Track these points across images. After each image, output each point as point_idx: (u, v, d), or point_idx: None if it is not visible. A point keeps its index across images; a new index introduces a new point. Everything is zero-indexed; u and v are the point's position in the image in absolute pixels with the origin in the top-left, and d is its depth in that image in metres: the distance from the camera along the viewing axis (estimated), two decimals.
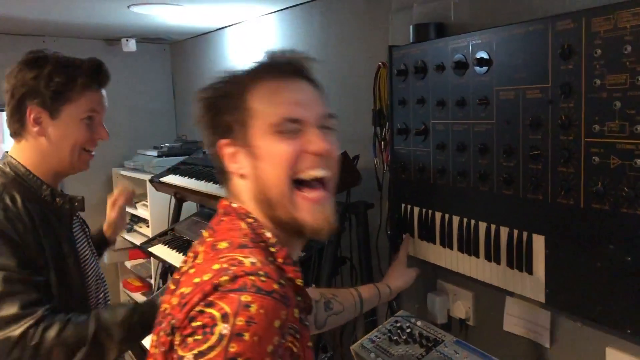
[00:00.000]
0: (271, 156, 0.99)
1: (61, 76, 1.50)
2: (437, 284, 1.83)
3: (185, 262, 1.03)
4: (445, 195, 1.67)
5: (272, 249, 0.99)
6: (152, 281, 3.31)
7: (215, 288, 0.84)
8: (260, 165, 1.00)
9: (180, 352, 0.83)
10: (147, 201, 3.42)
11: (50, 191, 1.55)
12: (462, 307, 1.74)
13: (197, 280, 0.88)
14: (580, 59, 1.23)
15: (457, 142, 1.60)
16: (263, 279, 0.85)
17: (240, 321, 0.80)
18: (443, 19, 1.72)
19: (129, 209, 3.77)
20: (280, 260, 0.99)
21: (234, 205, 1.04)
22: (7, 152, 1.60)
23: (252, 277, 0.85)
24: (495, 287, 1.53)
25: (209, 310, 0.82)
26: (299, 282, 1.01)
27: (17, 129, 1.55)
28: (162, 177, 2.93)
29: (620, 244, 1.18)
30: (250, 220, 1.01)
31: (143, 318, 1.45)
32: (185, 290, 0.89)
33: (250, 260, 0.88)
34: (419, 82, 1.72)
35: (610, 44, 1.16)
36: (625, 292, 1.18)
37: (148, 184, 3.14)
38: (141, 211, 3.55)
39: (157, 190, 2.99)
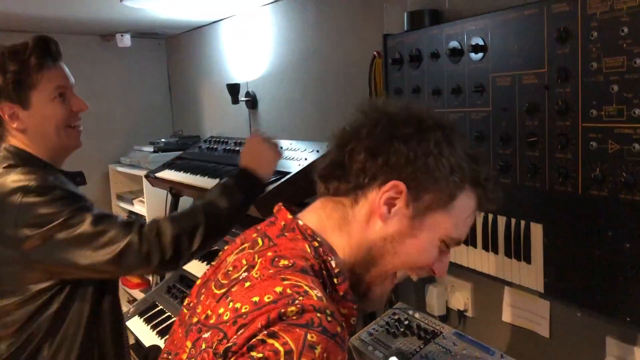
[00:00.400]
0: (422, 246, 0.94)
1: (13, 65, 1.48)
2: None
3: (233, 267, 0.94)
4: None
5: (336, 280, 0.91)
6: (150, 277, 3.29)
7: (281, 318, 0.78)
8: (407, 242, 0.93)
9: None
10: (143, 197, 3.40)
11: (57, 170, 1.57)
12: (460, 298, 1.72)
13: (255, 299, 0.81)
14: (576, 42, 1.20)
15: None
16: (329, 319, 0.79)
17: None
18: (437, 5, 1.69)
19: (124, 205, 3.75)
20: (341, 293, 0.92)
21: (300, 222, 0.95)
22: None
23: (319, 315, 0.78)
24: (493, 277, 1.51)
25: (271, 341, 0.76)
26: (354, 320, 0.94)
27: None
28: (157, 172, 2.90)
29: (618, 231, 1.15)
30: (316, 244, 0.93)
31: (238, 182, 1.65)
32: (239, 305, 0.82)
33: (316, 293, 0.82)
34: (415, 70, 1.69)
35: (607, 26, 1.13)
36: (624, 279, 1.15)
37: (144, 180, 3.12)
38: (137, 207, 3.53)
39: (152, 185, 2.97)
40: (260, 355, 0.75)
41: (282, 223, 0.96)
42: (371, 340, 1.66)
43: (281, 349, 0.74)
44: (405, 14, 1.74)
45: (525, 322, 1.48)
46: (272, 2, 2.77)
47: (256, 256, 0.91)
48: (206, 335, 0.85)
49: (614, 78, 1.13)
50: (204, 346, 0.84)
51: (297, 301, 0.79)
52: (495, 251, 1.47)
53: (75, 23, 3.28)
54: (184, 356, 0.89)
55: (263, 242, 0.95)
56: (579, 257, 1.24)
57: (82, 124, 1.64)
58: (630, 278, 1.14)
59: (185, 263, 1.56)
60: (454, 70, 1.54)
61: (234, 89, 2.98)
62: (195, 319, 0.92)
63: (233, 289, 0.87)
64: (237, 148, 2.65)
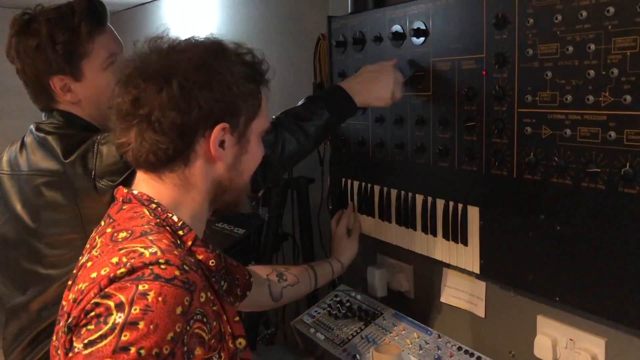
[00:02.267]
0: (254, 155, 1.09)
1: (62, 34, 1.36)
2: (377, 257, 1.83)
3: (82, 255, 0.98)
4: (384, 169, 1.65)
5: (180, 232, 0.97)
6: None
7: (112, 281, 0.81)
8: (244, 159, 1.06)
9: (74, 344, 0.79)
10: None
11: None
12: (401, 280, 1.74)
13: (94, 275, 0.85)
14: (513, 28, 1.22)
15: (394, 115, 1.58)
16: (163, 266, 0.83)
17: (135, 310, 0.78)
18: None
19: None
20: (189, 243, 0.97)
21: (134, 192, 1.00)
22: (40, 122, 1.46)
23: (151, 267, 0.82)
24: (433, 259, 1.54)
25: (104, 301, 0.80)
26: (212, 262, 0.99)
27: (48, 102, 1.44)
28: None
29: (550, 214, 1.19)
30: (153, 205, 0.97)
31: (325, 97, 1.45)
32: (82, 285, 0.85)
33: (151, 250, 0.85)
34: (358, 53, 1.69)
35: (542, 13, 1.16)
36: (554, 261, 1.19)
37: None
38: None
39: None
40: (93, 314, 0.79)
41: (120, 198, 1.01)
42: (312, 322, 1.67)
43: (112, 303, 0.79)
44: None
45: (462, 303, 1.51)
46: None
47: (97, 237, 0.96)
48: (61, 323, 0.88)
49: (548, 65, 1.16)
50: (60, 333, 0.87)
51: (128, 263, 0.83)
52: (434, 234, 1.50)
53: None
54: (53, 352, 0.92)
55: (104, 222, 1.00)
56: (513, 239, 1.28)
57: None
58: (559, 260, 1.18)
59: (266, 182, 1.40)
60: (397, 54, 1.54)
61: None
62: (58, 316, 0.95)
63: (78, 273, 0.91)
64: None
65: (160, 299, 0.79)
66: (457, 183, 1.41)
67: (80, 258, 0.99)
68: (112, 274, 0.82)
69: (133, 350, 0.75)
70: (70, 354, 0.79)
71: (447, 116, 1.41)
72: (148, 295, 0.79)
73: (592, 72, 1.07)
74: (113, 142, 1.06)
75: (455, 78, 1.38)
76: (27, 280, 1.42)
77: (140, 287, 0.80)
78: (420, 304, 1.69)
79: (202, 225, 1.07)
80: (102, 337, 0.76)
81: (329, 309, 1.70)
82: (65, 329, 0.83)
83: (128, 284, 0.80)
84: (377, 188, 1.70)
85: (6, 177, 1.46)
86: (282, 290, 1.52)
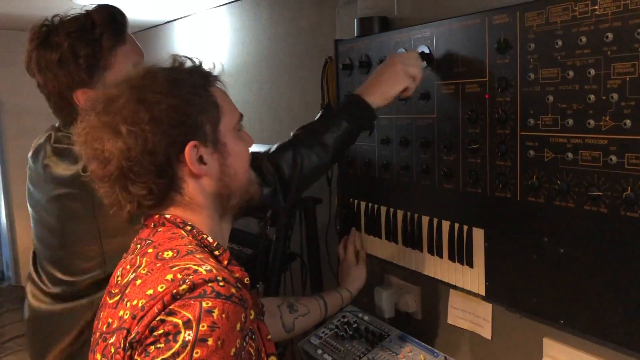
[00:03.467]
0: (238, 153, 1.06)
1: (85, 48, 1.31)
2: (384, 278, 1.83)
3: (121, 275, 0.99)
4: (390, 190, 1.67)
5: (216, 252, 0.98)
6: None
7: (175, 297, 0.83)
8: (229, 163, 1.04)
9: None
10: None
11: None
12: (408, 301, 1.74)
13: (150, 292, 0.86)
14: (515, 53, 1.24)
15: (400, 137, 1.60)
16: (222, 284, 0.85)
17: (203, 327, 0.80)
18: (386, 12, 1.72)
19: None
20: (225, 262, 0.99)
21: (167, 215, 1.00)
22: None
23: (210, 284, 0.85)
24: (439, 281, 1.54)
25: (170, 318, 0.81)
26: (247, 280, 1.01)
27: (70, 116, 1.38)
28: None
29: (554, 237, 1.20)
30: (188, 227, 0.99)
31: (342, 107, 1.44)
32: (136, 302, 0.86)
33: (205, 267, 0.87)
34: (364, 76, 1.71)
35: (543, 38, 1.17)
36: (558, 283, 1.19)
37: None
38: None
39: None
40: (161, 331, 0.81)
41: (152, 223, 1.02)
42: (320, 343, 1.67)
43: (180, 321, 0.81)
44: (355, 20, 1.76)
45: (468, 325, 1.51)
46: (227, 3, 2.76)
47: (138, 257, 0.96)
48: (112, 339, 0.88)
49: (550, 89, 1.17)
50: (112, 350, 0.87)
51: (187, 280, 0.85)
52: (440, 255, 1.50)
53: (23, 20, 3.19)
54: None
55: (141, 244, 1.00)
56: (518, 261, 1.28)
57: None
58: (563, 283, 1.18)
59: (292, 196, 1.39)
60: None
61: None
62: (97, 334, 0.95)
63: (127, 291, 0.92)
64: None
65: (224, 315, 0.82)
66: (462, 205, 1.42)
67: (117, 279, 0.99)
68: (174, 290, 0.83)
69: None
70: None
71: (451, 139, 1.43)
72: (213, 312, 0.82)
73: (592, 97, 1.08)
74: None
75: (459, 101, 1.39)
76: (51, 280, 1.45)
77: (204, 305, 0.82)
78: (427, 325, 1.69)
79: (225, 243, 1.09)
80: (175, 355, 0.79)
81: (336, 329, 1.70)
82: (126, 345, 0.84)
83: (192, 302, 0.82)
84: (383, 209, 1.71)
85: (32, 187, 1.49)
86: (294, 321, 1.52)
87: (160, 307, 0.83)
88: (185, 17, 3.15)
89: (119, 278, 0.99)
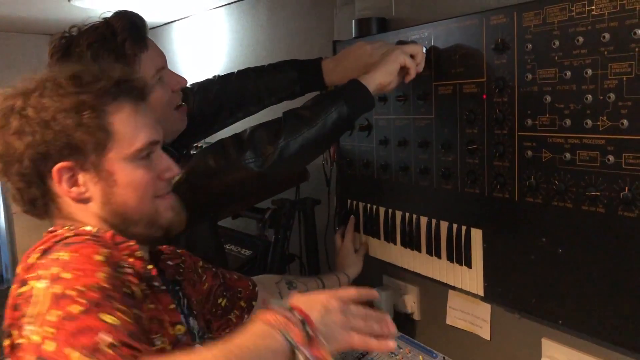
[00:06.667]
0: (131, 183, 0.97)
1: (107, 56, 1.27)
2: (382, 279, 1.83)
3: None
4: (389, 191, 1.67)
5: (97, 235, 0.94)
6: None
7: (27, 270, 0.83)
8: (117, 192, 0.97)
9: (17, 340, 0.79)
10: None
11: None
12: (407, 302, 1.74)
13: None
14: (513, 53, 1.24)
15: (398, 138, 1.60)
16: (71, 240, 0.85)
17: (55, 269, 0.79)
18: (384, 13, 1.72)
19: None
20: (109, 241, 0.94)
21: (50, 228, 0.98)
22: None
23: (60, 243, 0.84)
24: (437, 281, 1.54)
25: (25, 287, 0.81)
26: (139, 253, 0.96)
27: None
28: None
29: (552, 237, 1.19)
30: (67, 226, 0.96)
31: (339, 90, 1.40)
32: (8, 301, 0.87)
33: (63, 241, 0.87)
34: None
35: (540, 38, 1.17)
36: (556, 284, 1.19)
37: None
38: None
39: None
40: (22, 300, 0.80)
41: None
42: None
43: (32, 282, 0.80)
44: (353, 21, 1.76)
45: (467, 325, 1.51)
46: (225, 5, 2.76)
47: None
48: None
49: (547, 89, 1.17)
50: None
51: (37, 250, 0.87)
52: (439, 255, 1.50)
53: (20, 21, 3.19)
54: None
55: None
56: (516, 262, 1.28)
57: None
58: (561, 283, 1.18)
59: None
60: None
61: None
62: None
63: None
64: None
65: (75, 254, 0.81)
66: (461, 205, 1.42)
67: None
68: (26, 266, 0.84)
69: (70, 292, 0.75)
70: (21, 343, 0.78)
71: (449, 139, 1.43)
72: (61, 256, 0.80)
73: (589, 97, 1.08)
74: None
75: (457, 102, 1.39)
76: None
77: (52, 257, 0.81)
78: (425, 325, 1.69)
79: None
80: (36, 303, 0.76)
81: None
82: (7, 335, 0.83)
83: (41, 262, 0.82)
84: (382, 210, 1.71)
85: None
86: None
87: (18, 285, 0.83)
88: (183, 18, 3.15)
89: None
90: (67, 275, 0.77)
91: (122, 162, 0.96)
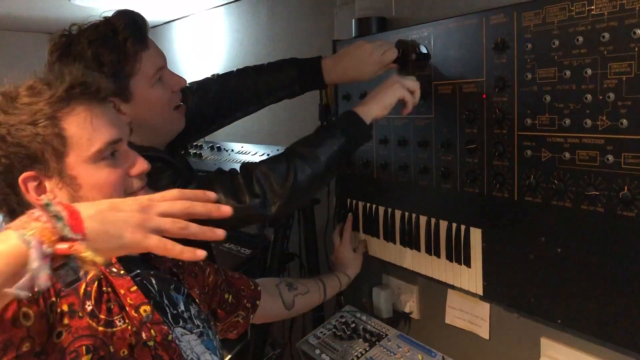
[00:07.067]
0: (96, 184, 0.97)
1: (109, 54, 1.26)
2: (382, 278, 1.83)
3: None
4: (388, 190, 1.67)
5: None
6: None
7: None
8: (83, 195, 0.96)
9: None
10: None
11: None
12: (406, 301, 1.74)
13: None
14: (512, 53, 1.24)
15: (398, 137, 1.60)
16: None
17: None
18: (384, 13, 1.72)
19: None
20: None
21: None
22: None
23: None
24: (437, 280, 1.54)
25: None
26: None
27: None
28: None
29: (551, 236, 1.20)
30: None
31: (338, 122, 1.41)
32: None
33: None
34: None
35: (540, 38, 1.17)
36: (556, 283, 1.20)
37: None
38: None
39: None
40: None
41: None
42: (318, 343, 1.67)
43: None
44: (353, 20, 1.76)
45: (466, 324, 1.51)
46: (225, 4, 2.76)
47: None
48: None
49: (547, 88, 1.17)
50: None
51: None
52: (438, 255, 1.51)
53: (21, 20, 3.20)
54: None
55: None
56: (515, 261, 1.28)
57: None
58: (560, 282, 1.18)
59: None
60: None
61: None
62: None
63: None
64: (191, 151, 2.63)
65: None
66: (460, 205, 1.42)
67: None
68: None
69: None
70: None
71: (449, 138, 1.43)
72: None
73: (589, 97, 1.09)
74: None
75: (457, 101, 1.40)
76: None
77: None
78: (425, 325, 1.69)
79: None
80: None
81: (334, 329, 1.70)
82: None
83: None
84: (381, 209, 1.71)
85: None
86: (294, 299, 1.53)
87: None
88: (183, 17, 3.15)
89: None
90: None
91: (84, 165, 0.96)
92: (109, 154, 0.98)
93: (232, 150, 2.28)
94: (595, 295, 1.12)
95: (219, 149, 2.56)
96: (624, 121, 1.03)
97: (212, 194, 0.84)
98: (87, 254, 0.69)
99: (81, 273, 0.69)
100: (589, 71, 1.08)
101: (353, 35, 1.77)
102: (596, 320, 1.13)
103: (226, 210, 0.81)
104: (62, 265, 0.68)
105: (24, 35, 3.57)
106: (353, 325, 1.69)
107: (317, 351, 1.64)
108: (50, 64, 1.31)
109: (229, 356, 1.89)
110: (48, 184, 0.95)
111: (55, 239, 0.68)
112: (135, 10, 1.38)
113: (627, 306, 1.07)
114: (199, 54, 3.03)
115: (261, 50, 2.54)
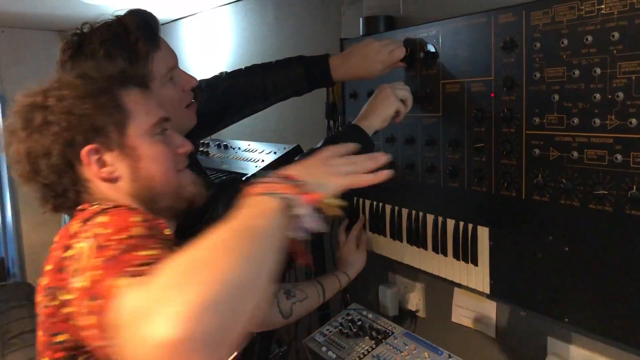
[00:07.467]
0: (155, 157, 1.03)
1: (120, 54, 1.26)
2: (388, 276, 1.84)
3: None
4: (395, 188, 1.67)
5: (133, 207, 0.99)
6: None
7: (71, 237, 0.86)
8: (142, 166, 1.01)
9: (63, 296, 0.83)
10: None
11: None
12: (412, 299, 1.75)
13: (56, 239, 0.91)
14: (521, 52, 1.24)
15: (405, 135, 1.60)
16: (110, 209, 0.89)
17: (97, 229, 0.83)
18: (392, 11, 1.72)
19: None
20: None
21: (78, 207, 1.00)
22: None
23: (99, 213, 0.88)
24: (443, 279, 1.54)
25: (71, 251, 0.83)
26: (167, 231, 0.96)
27: None
28: None
29: (558, 235, 1.20)
30: (96, 204, 0.98)
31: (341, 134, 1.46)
32: (48, 268, 0.89)
33: (102, 211, 0.91)
34: None
35: (549, 37, 1.18)
36: (562, 282, 1.20)
37: None
38: None
39: None
40: (66, 262, 0.83)
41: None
42: (324, 340, 1.68)
43: (76, 244, 0.84)
44: (361, 19, 1.76)
45: (473, 323, 1.52)
46: (231, 2, 2.77)
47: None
48: (41, 317, 0.91)
49: (555, 88, 1.18)
50: (40, 313, 0.90)
51: (79, 219, 0.90)
52: (445, 253, 1.51)
53: (31, 18, 3.21)
54: (40, 339, 0.93)
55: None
56: (522, 260, 1.29)
57: None
58: (568, 281, 1.19)
59: None
60: (407, 75, 1.57)
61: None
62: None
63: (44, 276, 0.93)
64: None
65: (112, 216, 0.85)
66: (467, 203, 1.42)
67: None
68: (67, 234, 0.87)
69: (110, 242, 0.79)
70: (69, 299, 0.81)
71: (456, 137, 1.43)
72: (101, 219, 0.85)
73: (598, 96, 1.09)
74: None
75: (465, 100, 1.40)
76: None
77: (92, 222, 0.85)
78: (431, 323, 1.70)
79: None
80: (83, 258, 0.80)
81: (340, 327, 1.71)
82: (48, 301, 0.86)
83: (85, 227, 0.85)
84: (388, 207, 1.71)
85: None
86: (292, 307, 1.54)
87: (62, 250, 0.86)
88: (190, 15, 3.16)
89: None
90: (106, 231, 0.81)
91: (142, 137, 1.01)
92: (160, 130, 1.05)
93: (239, 148, 2.29)
94: (603, 294, 1.12)
95: (225, 146, 2.57)
96: (633, 120, 1.03)
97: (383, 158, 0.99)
98: (332, 201, 0.87)
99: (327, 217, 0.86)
100: (598, 70, 1.08)
101: (361, 34, 1.77)
102: (604, 319, 1.13)
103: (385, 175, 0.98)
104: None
105: (35, 33, 3.59)
106: (359, 323, 1.70)
107: (324, 348, 1.64)
108: (63, 62, 1.31)
109: (235, 354, 1.90)
110: (109, 157, 0.99)
111: (299, 192, 0.82)
112: (143, 8, 1.38)
113: (634, 305, 1.07)
114: (206, 52, 3.04)
115: (268, 49, 2.55)
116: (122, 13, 1.33)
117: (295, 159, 1.41)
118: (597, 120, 1.09)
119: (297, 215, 0.81)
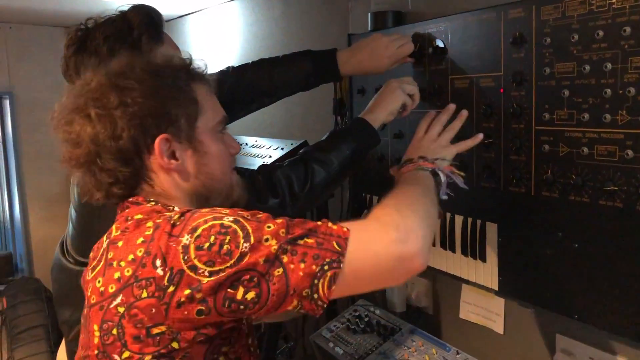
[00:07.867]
0: (218, 154, 1.04)
1: (123, 50, 1.24)
2: None
3: (95, 251, 0.97)
4: None
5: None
6: None
7: (174, 225, 0.86)
8: (207, 162, 1.02)
9: (186, 290, 0.82)
10: None
11: None
12: (420, 295, 1.74)
13: (140, 240, 0.87)
14: (531, 47, 1.23)
15: (413, 131, 1.59)
16: (186, 212, 0.90)
17: (226, 217, 0.86)
18: (400, 7, 1.71)
19: None
20: None
21: (130, 199, 0.99)
22: None
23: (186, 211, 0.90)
24: (451, 275, 1.54)
25: (209, 242, 0.83)
26: None
27: None
28: None
29: (568, 231, 1.19)
30: (152, 203, 0.97)
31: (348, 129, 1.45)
32: (131, 256, 0.87)
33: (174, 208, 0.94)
34: None
35: (559, 32, 1.17)
36: (572, 278, 1.19)
37: None
38: None
39: None
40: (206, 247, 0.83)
41: (119, 210, 1.01)
42: (332, 336, 1.68)
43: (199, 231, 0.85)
44: (369, 14, 1.76)
45: (481, 319, 1.51)
46: None
47: (104, 239, 0.96)
48: (117, 300, 0.86)
49: (565, 83, 1.17)
50: (122, 310, 0.86)
51: (169, 212, 0.92)
52: (453, 250, 1.50)
53: (39, 14, 3.22)
54: (96, 340, 0.89)
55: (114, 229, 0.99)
56: (531, 256, 1.28)
57: None
58: (577, 278, 1.18)
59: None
60: (416, 71, 1.56)
61: None
62: (86, 310, 0.94)
63: (109, 256, 0.91)
64: None
65: (211, 209, 0.91)
66: (476, 199, 1.41)
67: (91, 258, 0.98)
68: (167, 229, 0.86)
69: (262, 216, 0.89)
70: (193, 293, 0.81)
71: (465, 133, 1.42)
72: (207, 213, 0.88)
73: (608, 91, 1.08)
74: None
75: (474, 96, 1.39)
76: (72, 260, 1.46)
77: (199, 214, 0.88)
78: (438, 319, 1.69)
79: None
80: (255, 231, 0.85)
81: (347, 323, 1.71)
82: (166, 284, 0.83)
83: (193, 217, 0.87)
84: None
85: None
86: None
87: (164, 242, 0.84)
88: (197, 11, 3.16)
89: (93, 254, 0.98)
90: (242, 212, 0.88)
91: (208, 134, 1.02)
92: (222, 129, 1.07)
93: (246, 144, 2.28)
94: (612, 291, 1.12)
95: None
96: None
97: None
98: (459, 172, 1.23)
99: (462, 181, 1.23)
100: (609, 65, 1.08)
101: (369, 29, 1.76)
102: (613, 316, 1.12)
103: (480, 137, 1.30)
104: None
105: (42, 29, 3.60)
106: (367, 319, 1.70)
107: (331, 344, 1.65)
108: (66, 58, 1.32)
109: None
110: (177, 149, 0.98)
111: (435, 165, 1.19)
112: (150, 4, 1.38)
113: None
114: (213, 47, 3.03)
115: (275, 44, 2.54)
116: (126, 8, 1.33)
117: (300, 152, 1.42)
118: (608, 116, 1.09)
119: (440, 180, 1.18)
